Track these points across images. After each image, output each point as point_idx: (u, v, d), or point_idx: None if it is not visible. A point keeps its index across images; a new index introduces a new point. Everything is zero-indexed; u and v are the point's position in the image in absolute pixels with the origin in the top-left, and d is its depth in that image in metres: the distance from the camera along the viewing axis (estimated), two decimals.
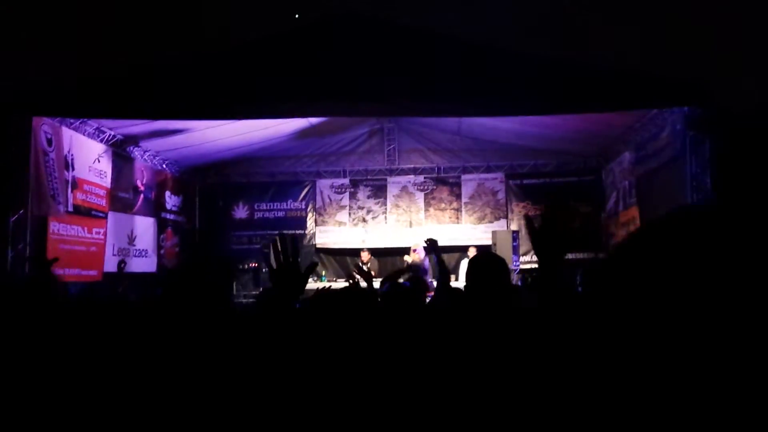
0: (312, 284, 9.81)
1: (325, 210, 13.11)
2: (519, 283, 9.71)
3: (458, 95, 7.16)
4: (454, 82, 6.98)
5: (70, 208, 8.60)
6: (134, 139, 10.27)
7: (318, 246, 12.94)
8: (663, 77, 6.62)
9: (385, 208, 12.96)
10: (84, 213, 8.98)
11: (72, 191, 8.67)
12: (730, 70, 5.99)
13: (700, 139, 7.42)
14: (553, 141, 11.24)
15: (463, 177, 12.80)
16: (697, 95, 6.86)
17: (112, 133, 9.63)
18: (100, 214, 9.49)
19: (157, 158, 11.45)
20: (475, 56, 6.89)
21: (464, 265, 10.97)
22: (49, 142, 8.10)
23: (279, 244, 1.84)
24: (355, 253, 12.17)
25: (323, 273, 12.26)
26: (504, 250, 10.22)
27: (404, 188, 12.95)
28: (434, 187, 12.88)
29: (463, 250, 11.81)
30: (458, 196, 12.78)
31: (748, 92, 5.99)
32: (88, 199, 9.09)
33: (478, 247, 11.26)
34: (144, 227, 11.01)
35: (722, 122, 6.71)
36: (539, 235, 1.75)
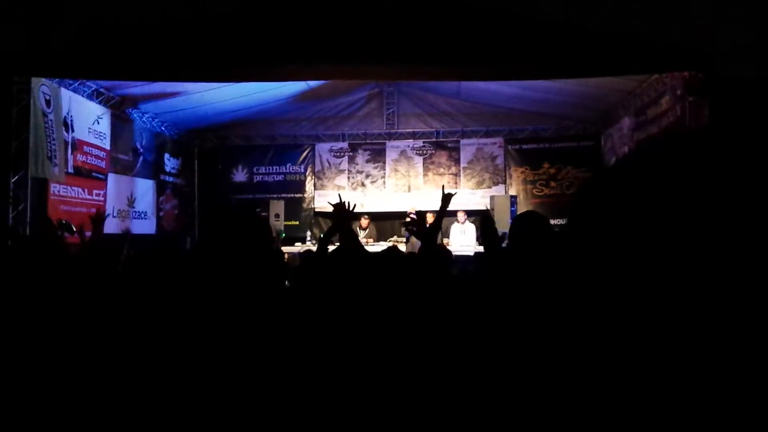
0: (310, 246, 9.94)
1: (324, 174, 13.13)
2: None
3: (458, 59, 7.12)
4: (453, 45, 6.94)
5: (71, 170, 8.64)
6: (133, 101, 10.25)
7: (317, 210, 12.98)
8: (662, 41, 6.57)
9: (384, 173, 12.97)
10: (85, 174, 9.02)
11: (72, 153, 8.69)
12: (743, 35, 5.91)
13: (700, 104, 7.41)
14: (553, 106, 11.20)
15: (462, 142, 12.79)
16: (697, 60, 6.82)
17: (111, 94, 9.61)
18: (100, 176, 9.52)
19: (156, 120, 11.42)
20: (474, 18, 6.83)
21: (453, 229, 11.11)
22: (48, 102, 8.08)
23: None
24: (354, 217, 12.16)
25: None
26: (502, 215, 10.27)
27: (403, 152, 12.94)
28: (433, 151, 12.87)
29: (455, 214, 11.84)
30: (457, 161, 12.79)
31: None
32: (88, 161, 9.12)
33: (474, 212, 11.32)
34: (143, 189, 11.05)
35: (724, 88, 6.66)
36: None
